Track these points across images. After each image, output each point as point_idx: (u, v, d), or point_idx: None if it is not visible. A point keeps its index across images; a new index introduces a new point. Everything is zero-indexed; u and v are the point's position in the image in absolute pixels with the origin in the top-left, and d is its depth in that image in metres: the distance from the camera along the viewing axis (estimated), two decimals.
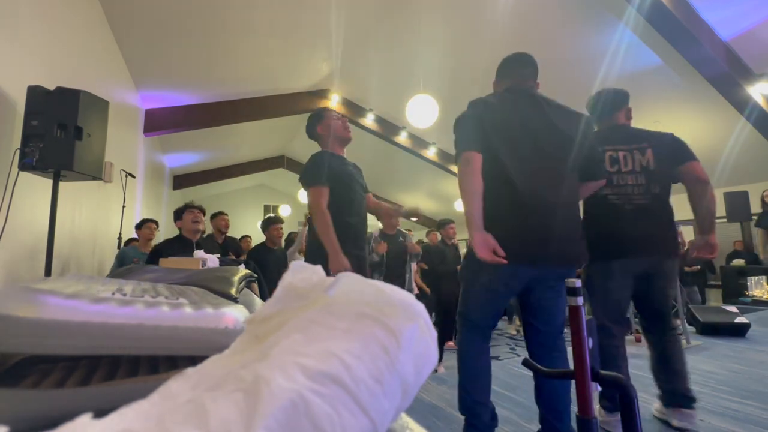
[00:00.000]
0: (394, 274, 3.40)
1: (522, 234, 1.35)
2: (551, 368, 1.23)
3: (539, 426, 1.47)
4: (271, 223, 3.57)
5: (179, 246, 2.50)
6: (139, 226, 3.43)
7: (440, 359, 3.54)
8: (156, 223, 3.45)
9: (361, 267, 1.86)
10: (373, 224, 3.87)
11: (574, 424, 1.44)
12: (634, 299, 1.86)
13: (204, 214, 2.77)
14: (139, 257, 3.07)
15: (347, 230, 1.82)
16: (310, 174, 1.83)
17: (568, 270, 1.43)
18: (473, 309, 1.51)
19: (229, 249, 3.46)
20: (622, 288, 1.75)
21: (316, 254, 1.77)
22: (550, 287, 1.45)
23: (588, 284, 1.82)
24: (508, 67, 1.62)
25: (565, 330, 1.39)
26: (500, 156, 1.40)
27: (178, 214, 2.73)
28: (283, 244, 3.99)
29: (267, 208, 12.08)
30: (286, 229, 4.16)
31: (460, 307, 1.56)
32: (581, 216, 1.51)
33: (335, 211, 1.79)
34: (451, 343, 4.18)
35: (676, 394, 1.73)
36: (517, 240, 1.34)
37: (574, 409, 1.10)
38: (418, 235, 6.76)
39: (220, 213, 3.66)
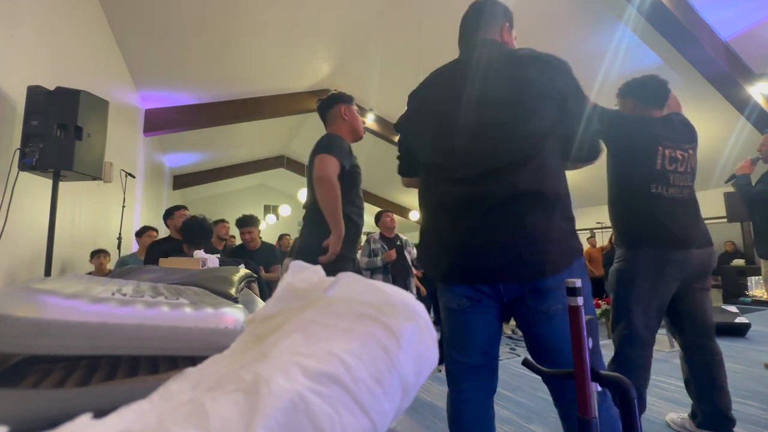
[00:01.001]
0: (397, 279, 3.40)
1: (452, 244, 1.03)
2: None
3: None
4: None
5: (169, 247, 2.44)
6: (139, 234, 3.38)
7: (441, 360, 3.53)
8: (156, 230, 3.41)
9: (357, 272, 1.69)
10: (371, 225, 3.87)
11: None
12: (671, 305, 1.67)
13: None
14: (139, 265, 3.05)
15: (352, 231, 1.62)
16: (333, 146, 1.56)
17: (540, 282, 0.97)
18: (447, 338, 1.12)
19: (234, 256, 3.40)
20: (671, 286, 1.60)
21: (309, 259, 1.51)
22: (530, 308, 0.99)
23: (622, 282, 1.64)
24: (460, 30, 1.26)
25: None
26: (420, 151, 1.15)
27: (170, 213, 2.73)
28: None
29: (267, 208, 12.08)
30: (286, 229, 4.13)
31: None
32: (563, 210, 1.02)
33: (344, 206, 1.56)
34: None
35: (719, 415, 1.57)
36: (448, 252, 1.04)
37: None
38: (415, 236, 6.75)
39: (222, 221, 3.62)
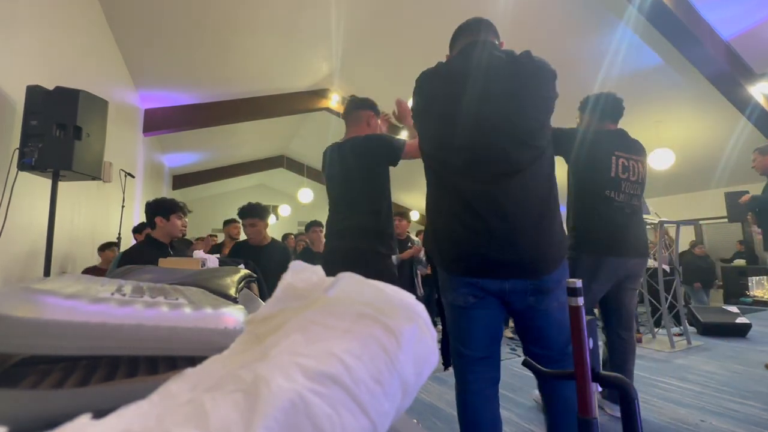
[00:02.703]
0: (404, 280, 3.43)
1: (463, 240, 1.09)
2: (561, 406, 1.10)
3: (539, 426, 1.43)
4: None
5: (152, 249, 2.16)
6: (137, 230, 3.37)
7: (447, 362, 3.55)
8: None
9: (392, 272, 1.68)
10: None
11: None
12: (603, 299, 1.94)
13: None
14: None
15: (391, 227, 1.66)
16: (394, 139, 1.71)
17: (542, 281, 1.08)
18: (454, 335, 1.19)
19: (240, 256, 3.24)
20: (604, 286, 1.84)
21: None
22: (528, 303, 1.09)
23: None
24: (457, 36, 1.31)
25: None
26: (436, 147, 1.18)
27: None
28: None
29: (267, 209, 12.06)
30: (286, 229, 4.14)
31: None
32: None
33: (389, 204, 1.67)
34: None
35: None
36: (460, 249, 1.10)
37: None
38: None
39: (233, 220, 3.59)
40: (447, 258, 1.14)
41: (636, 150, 1.90)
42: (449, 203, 1.12)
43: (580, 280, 0.65)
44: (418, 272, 3.82)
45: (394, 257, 1.64)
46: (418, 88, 1.23)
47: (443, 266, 1.17)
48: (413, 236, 3.87)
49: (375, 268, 1.53)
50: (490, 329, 1.16)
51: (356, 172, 1.65)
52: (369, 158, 1.65)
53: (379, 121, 1.83)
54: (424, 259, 3.67)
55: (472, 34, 1.23)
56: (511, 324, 5.33)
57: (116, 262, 2.24)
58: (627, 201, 1.82)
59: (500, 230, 1.04)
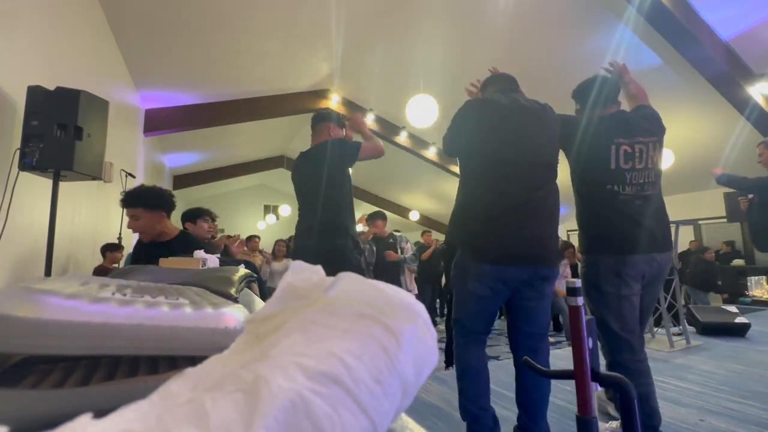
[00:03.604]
0: (390, 279, 3.43)
1: (509, 235, 1.40)
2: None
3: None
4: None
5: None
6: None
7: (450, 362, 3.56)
8: None
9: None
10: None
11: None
12: None
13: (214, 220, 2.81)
14: None
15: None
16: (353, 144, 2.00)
17: (550, 271, 1.48)
18: (465, 316, 1.54)
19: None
20: (635, 288, 1.59)
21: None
22: (534, 288, 1.47)
23: (590, 291, 1.65)
24: (492, 80, 1.74)
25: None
26: (489, 157, 1.49)
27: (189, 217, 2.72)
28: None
29: (267, 208, 12.07)
30: (286, 229, 4.16)
31: (454, 314, 1.59)
32: (558, 217, 1.56)
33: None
34: None
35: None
36: (504, 241, 1.41)
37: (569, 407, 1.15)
38: (415, 236, 6.75)
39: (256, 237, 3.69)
40: (485, 248, 1.43)
41: (643, 131, 1.62)
42: (492, 206, 1.43)
43: (580, 280, 0.65)
44: (406, 270, 3.83)
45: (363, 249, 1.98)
46: (469, 110, 1.58)
47: (479, 256, 1.45)
48: (395, 233, 3.87)
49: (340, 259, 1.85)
50: (493, 314, 1.58)
51: (320, 173, 1.92)
52: (330, 159, 1.94)
53: (343, 131, 2.13)
54: (408, 255, 3.70)
55: (507, 82, 1.68)
56: None
57: (128, 260, 2.52)
58: (636, 192, 1.58)
59: (533, 229, 1.41)
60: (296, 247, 2.03)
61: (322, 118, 2.14)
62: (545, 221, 1.46)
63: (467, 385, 1.52)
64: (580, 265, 1.75)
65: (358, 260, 1.89)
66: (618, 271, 1.57)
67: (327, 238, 1.86)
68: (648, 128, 1.64)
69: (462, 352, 1.55)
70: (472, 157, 1.57)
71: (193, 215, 2.71)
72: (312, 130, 2.17)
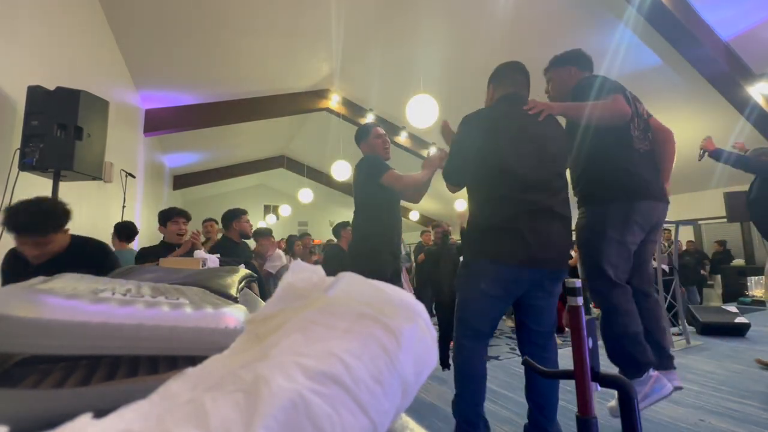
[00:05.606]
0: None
1: (528, 237, 1.43)
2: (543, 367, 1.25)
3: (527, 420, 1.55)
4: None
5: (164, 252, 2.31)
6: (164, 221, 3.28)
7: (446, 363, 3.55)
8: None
9: (396, 270, 2.02)
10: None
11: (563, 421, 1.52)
12: None
13: (189, 220, 2.55)
14: None
15: (387, 231, 1.98)
16: (376, 168, 1.94)
17: (562, 271, 1.53)
18: (473, 316, 1.54)
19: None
20: (637, 237, 1.66)
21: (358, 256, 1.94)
22: (544, 288, 1.52)
23: (588, 237, 1.70)
24: (503, 74, 1.70)
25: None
26: (505, 163, 1.50)
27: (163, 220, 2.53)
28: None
29: (267, 208, 12.07)
30: (285, 229, 4.14)
31: (460, 314, 1.58)
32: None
33: (385, 214, 1.98)
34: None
35: (662, 353, 1.70)
36: (523, 244, 1.44)
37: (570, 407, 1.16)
38: (415, 236, 6.75)
39: (210, 219, 3.56)
40: (504, 251, 1.46)
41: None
42: (512, 211, 1.46)
43: (579, 280, 0.65)
44: (403, 268, 3.82)
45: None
46: (482, 121, 1.58)
47: (497, 257, 1.47)
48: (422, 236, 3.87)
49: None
50: (500, 315, 1.60)
51: (358, 184, 2.03)
52: (360, 176, 2.02)
53: (377, 140, 2.15)
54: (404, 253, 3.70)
55: (516, 86, 1.67)
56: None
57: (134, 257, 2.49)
58: (643, 147, 1.70)
59: (551, 234, 1.46)
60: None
61: (361, 135, 2.20)
62: (562, 225, 1.51)
63: (470, 390, 1.51)
64: (578, 217, 1.75)
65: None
66: (625, 219, 1.62)
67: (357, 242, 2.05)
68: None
69: (470, 355, 1.54)
70: (484, 171, 1.56)
71: (164, 217, 2.51)
72: (357, 144, 2.22)
